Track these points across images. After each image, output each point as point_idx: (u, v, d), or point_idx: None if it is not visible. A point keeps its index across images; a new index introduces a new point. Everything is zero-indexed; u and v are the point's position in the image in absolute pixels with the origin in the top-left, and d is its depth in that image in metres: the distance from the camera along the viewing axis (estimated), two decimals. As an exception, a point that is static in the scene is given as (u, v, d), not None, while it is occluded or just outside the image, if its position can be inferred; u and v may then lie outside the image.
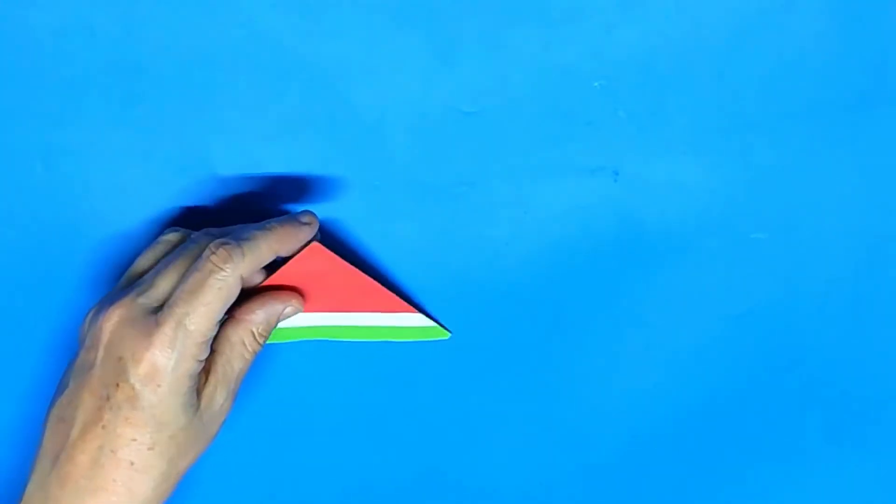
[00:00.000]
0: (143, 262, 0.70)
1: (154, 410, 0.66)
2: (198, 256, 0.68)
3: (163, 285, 0.68)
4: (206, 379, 0.69)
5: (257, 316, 0.71)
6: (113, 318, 0.67)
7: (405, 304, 0.75)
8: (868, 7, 0.71)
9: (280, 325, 0.73)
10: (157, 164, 0.74)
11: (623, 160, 0.74)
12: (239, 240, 0.68)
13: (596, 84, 0.73)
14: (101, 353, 0.67)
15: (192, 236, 0.70)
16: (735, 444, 0.78)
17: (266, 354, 0.77)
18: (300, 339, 0.75)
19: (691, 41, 0.72)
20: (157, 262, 0.70)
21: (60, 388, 0.68)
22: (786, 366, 0.77)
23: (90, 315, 0.68)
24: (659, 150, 0.74)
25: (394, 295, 0.74)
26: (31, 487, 0.67)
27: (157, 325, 0.66)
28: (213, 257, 0.67)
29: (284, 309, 0.72)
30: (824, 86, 0.73)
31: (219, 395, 0.69)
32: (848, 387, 0.77)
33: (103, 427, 0.66)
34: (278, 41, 0.72)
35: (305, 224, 0.71)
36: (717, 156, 0.74)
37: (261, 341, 0.71)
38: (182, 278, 0.68)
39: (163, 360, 0.66)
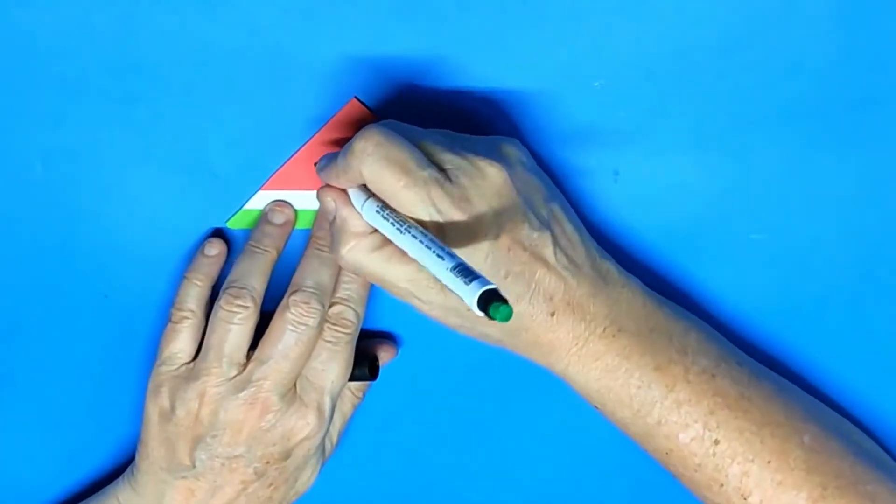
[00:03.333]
0: (232, 346, 0.72)
1: (296, 472, 0.74)
2: (314, 337, 0.72)
3: (295, 370, 0.72)
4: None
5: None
6: (256, 416, 0.71)
7: None
8: (868, 7, 0.71)
9: (308, 208, 0.74)
10: (157, 165, 0.74)
11: (623, 160, 0.74)
12: (351, 302, 0.72)
13: (596, 84, 0.73)
14: (245, 442, 0.72)
15: (292, 315, 0.72)
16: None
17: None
18: None
19: (691, 41, 0.72)
20: (248, 342, 0.72)
21: (173, 462, 0.72)
22: (785, 366, 0.77)
23: (204, 406, 0.71)
24: (659, 150, 0.74)
25: None
26: None
27: (307, 403, 0.72)
28: (339, 328, 0.72)
29: (383, 358, 0.77)
30: (824, 86, 0.73)
31: (328, 443, 0.76)
32: (847, 387, 0.77)
33: (245, 492, 0.73)
34: (278, 41, 0.72)
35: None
36: (717, 156, 0.74)
37: (360, 396, 0.78)
38: (314, 353, 0.72)
39: (318, 432, 0.73)
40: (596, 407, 0.71)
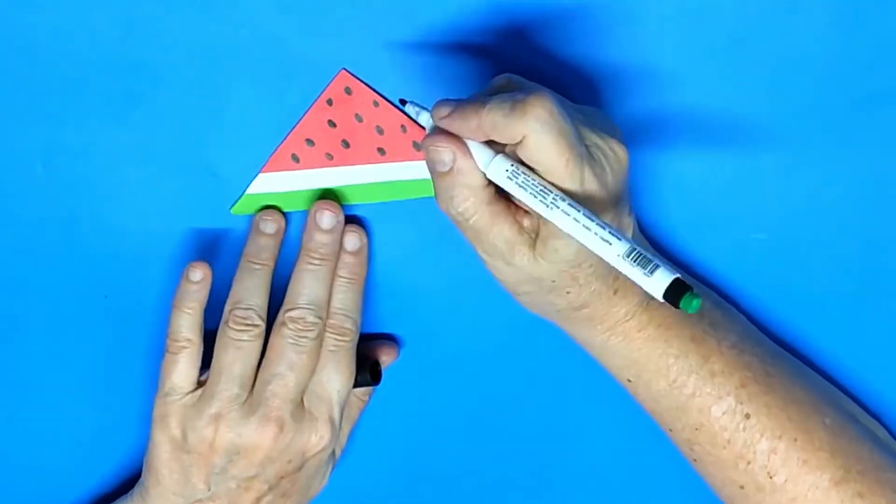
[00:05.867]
0: (241, 365, 0.72)
1: (309, 482, 0.75)
2: (318, 345, 0.72)
3: (303, 383, 0.72)
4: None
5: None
6: (270, 436, 0.71)
7: None
8: (868, 7, 0.71)
9: (315, 186, 0.74)
10: (157, 164, 0.74)
11: (623, 160, 0.74)
12: (341, 312, 0.73)
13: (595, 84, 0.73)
14: (260, 463, 0.72)
15: (289, 332, 0.72)
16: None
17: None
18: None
19: (691, 41, 0.72)
20: (255, 361, 0.72)
21: (186, 488, 0.72)
22: (786, 366, 0.77)
23: (218, 431, 0.71)
24: (659, 150, 0.74)
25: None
26: None
27: (318, 417, 0.72)
28: (337, 335, 0.73)
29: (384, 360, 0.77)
30: (824, 86, 0.73)
31: (337, 448, 0.77)
32: (848, 386, 0.77)
33: None
34: (278, 41, 0.72)
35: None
36: (718, 156, 0.74)
37: (365, 399, 0.78)
38: (320, 364, 0.72)
39: (330, 443, 0.73)
40: (629, 381, 0.71)
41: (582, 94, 0.73)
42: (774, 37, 0.72)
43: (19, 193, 0.74)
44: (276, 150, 0.73)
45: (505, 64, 0.72)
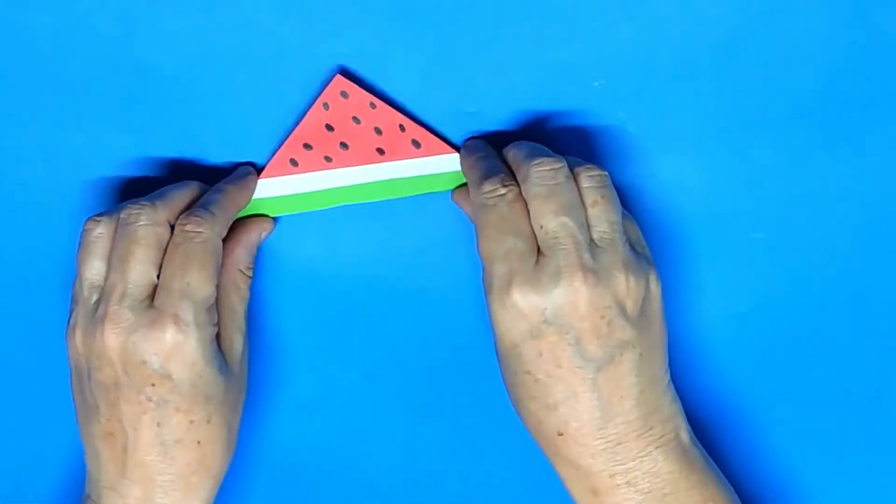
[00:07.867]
0: (90, 266, 0.69)
1: (196, 388, 0.68)
2: (151, 235, 0.68)
3: (139, 276, 0.68)
4: (220, 333, 0.70)
5: (237, 254, 0.72)
6: (112, 335, 0.68)
7: (441, 142, 0.73)
8: (868, 7, 0.71)
9: (315, 189, 0.73)
10: (156, 165, 0.74)
11: (623, 160, 0.74)
12: (205, 205, 0.69)
13: (596, 84, 0.73)
14: (119, 368, 0.68)
15: (122, 218, 0.68)
16: (734, 443, 0.78)
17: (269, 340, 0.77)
18: (333, 206, 0.74)
19: (691, 41, 0.72)
20: (105, 260, 0.69)
21: (87, 411, 0.70)
22: (786, 365, 0.77)
23: (77, 339, 0.69)
24: (659, 150, 0.74)
25: (427, 131, 0.73)
26: (105, 501, 0.70)
27: (162, 313, 0.67)
28: (188, 227, 0.68)
29: (260, 235, 0.74)
30: (824, 86, 0.73)
31: (236, 342, 0.71)
32: (848, 386, 0.77)
33: (158, 424, 0.68)
34: (278, 41, 0.72)
35: (250, 175, 0.73)
36: (717, 156, 0.74)
37: (249, 274, 0.73)
38: (166, 259, 0.68)
39: (185, 341, 0.67)
40: None
41: (581, 94, 0.73)
42: (775, 37, 0.72)
43: (19, 193, 0.74)
44: (273, 155, 0.73)
45: (504, 63, 0.72)
